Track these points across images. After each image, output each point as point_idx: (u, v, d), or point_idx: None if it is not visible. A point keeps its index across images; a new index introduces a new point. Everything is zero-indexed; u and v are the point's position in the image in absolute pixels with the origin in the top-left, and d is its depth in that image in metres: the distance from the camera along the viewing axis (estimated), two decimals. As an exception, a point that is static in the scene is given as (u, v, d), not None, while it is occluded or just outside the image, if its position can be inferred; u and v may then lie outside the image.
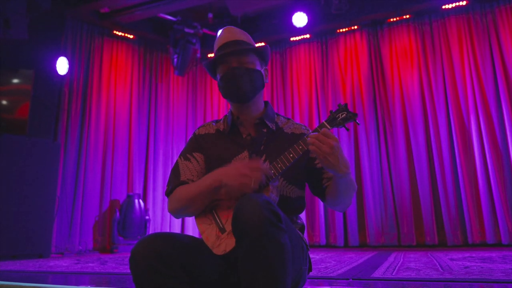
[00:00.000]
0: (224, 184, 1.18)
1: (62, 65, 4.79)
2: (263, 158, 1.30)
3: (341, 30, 5.58)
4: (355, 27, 5.50)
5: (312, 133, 1.18)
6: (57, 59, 4.77)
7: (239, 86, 1.32)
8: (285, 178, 1.30)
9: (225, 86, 1.34)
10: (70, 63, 5.03)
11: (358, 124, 1.23)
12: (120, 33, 5.69)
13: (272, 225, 0.99)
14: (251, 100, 1.35)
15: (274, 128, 1.37)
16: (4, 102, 4.37)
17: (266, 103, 1.44)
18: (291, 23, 5.29)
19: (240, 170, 1.16)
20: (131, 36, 5.80)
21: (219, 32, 1.42)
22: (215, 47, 1.39)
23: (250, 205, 1.00)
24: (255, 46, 1.39)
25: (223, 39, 1.37)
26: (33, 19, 4.42)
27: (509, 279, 1.84)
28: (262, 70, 1.38)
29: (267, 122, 1.36)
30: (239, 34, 1.39)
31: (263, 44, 5.95)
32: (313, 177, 1.35)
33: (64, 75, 4.94)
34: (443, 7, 5.00)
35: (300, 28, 5.37)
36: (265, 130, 1.36)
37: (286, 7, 5.35)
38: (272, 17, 5.69)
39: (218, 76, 1.37)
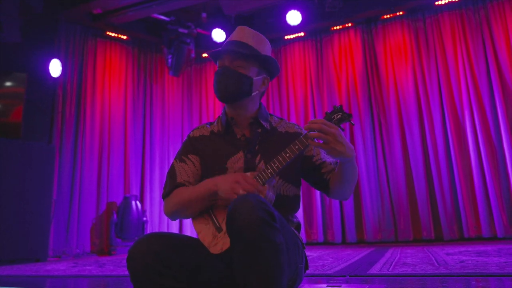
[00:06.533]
0: (218, 187, 1.21)
1: (55, 68, 4.76)
2: (258, 158, 1.31)
3: (335, 28, 5.59)
4: (349, 24, 5.51)
5: (310, 132, 1.17)
6: (50, 61, 4.74)
7: (225, 86, 1.33)
8: (281, 176, 1.31)
9: (214, 82, 1.37)
10: (64, 65, 5.00)
11: (353, 124, 1.25)
12: (113, 34, 5.66)
13: (267, 225, 0.99)
14: (235, 102, 1.35)
15: (269, 128, 1.38)
16: (-2, 105, 4.35)
17: (259, 104, 1.44)
18: (285, 21, 5.28)
19: (235, 177, 1.19)
20: (125, 37, 5.77)
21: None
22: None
23: (244, 205, 1.00)
24: (259, 52, 1.35)
25: (232, 37, 1.40)
26: (25, 22, 4.39)
27: (503, 272, 1.86)
28: (256, 78, 1.35)
29: (261, 121, 1.37)
30: (248, 36, 1.37)
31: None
32: (313, 174, 1.37)
33: (58, 78, 4.92)
34: (436, 3, 5.02)
35: (294, 27, 5.37)
36: (259, 130, 1.37)
37: (280, 5, 5.35)
38: (266, 16, 5.69)
39: None
